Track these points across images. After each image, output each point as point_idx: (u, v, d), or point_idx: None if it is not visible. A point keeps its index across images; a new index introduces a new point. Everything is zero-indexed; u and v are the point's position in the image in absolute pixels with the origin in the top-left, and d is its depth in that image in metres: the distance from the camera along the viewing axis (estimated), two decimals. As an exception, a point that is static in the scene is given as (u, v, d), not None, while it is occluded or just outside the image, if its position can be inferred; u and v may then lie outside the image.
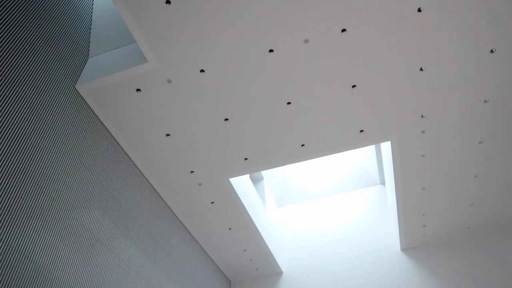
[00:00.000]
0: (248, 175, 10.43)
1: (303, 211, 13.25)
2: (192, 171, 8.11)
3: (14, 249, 4.92)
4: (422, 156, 8.02)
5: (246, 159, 7.90)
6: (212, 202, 9.00)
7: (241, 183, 9.37)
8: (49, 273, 5.38)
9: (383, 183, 12.68)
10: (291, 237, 12.73)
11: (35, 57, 5.72)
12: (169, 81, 6.35)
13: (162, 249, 8.41)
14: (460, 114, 7.21)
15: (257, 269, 11.70)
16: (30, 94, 5.51)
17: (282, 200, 13.78)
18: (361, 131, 7.43)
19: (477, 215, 9.98)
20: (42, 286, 5.21)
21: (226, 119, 7.04)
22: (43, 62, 5.86)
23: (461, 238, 10.79)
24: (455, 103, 6.99)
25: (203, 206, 9.11)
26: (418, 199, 9.23)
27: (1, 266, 4.67)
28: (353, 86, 6.62)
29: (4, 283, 4.66)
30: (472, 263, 10.46)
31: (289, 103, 6.84)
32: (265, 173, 13.13)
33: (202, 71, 6.23)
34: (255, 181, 12.91)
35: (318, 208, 13.08)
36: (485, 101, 6.95)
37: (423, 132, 7.49)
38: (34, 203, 5.36)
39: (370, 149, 12.72)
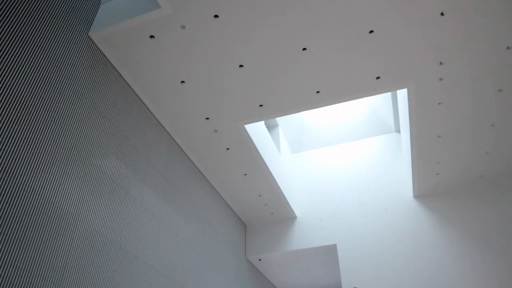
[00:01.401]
0: (263, 122, 10.47)
1: (318, 157, 13.37)
2: (207, 118, 8.17)
3: (38, 194, 5.14)
4: (439, 103, 7.92)
5: (261, 105, 7.90)
6: (228, 149, 9.12)
7: (256, 130, 9.44)
8: (71, 216, 5.63)
9: (398, 130, 12.63)
10: (305, 183, 12.95)
11: (47, 6, 5.67)
12: (183, 27, 6.25)
13: (178, 193, 8.66)
14: (480, 61, 7.02)
15: (272, 213, 12.01)
16: (44, 43, 5.51)
17: (296, 147, 13.88)
18: (378, 78, 7.32)
19: (492, 164, 9.96)
20: (65, 229, 5.48)
21: (241, 66, 6.98)
22: (55, 10, 5.81)
23: (474, 186, 10.84)
24: (476, 49, 6.79)
25: (218, 152, 9.24)
26: (433, 147, 9.21)
27: (27, 210, 4.90)
28: (370, 31, 6.44)
29: (29, 226, 4.92)
30: (485, 212, 10.56)
31: (304, 49, 6.72)
32: (280, 120, 13.15)
33: (216, 16, 6.11)
34: (270, 127, 12.98)
35: (332, 155, 13.17)
36: (507, 48, 6.73)
37: (441, 79, 7.34)
38: (55, 150, 5.52)
39: (386, 96, 12.56)
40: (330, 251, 11.75)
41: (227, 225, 11.11)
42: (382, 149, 12.61)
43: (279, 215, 12.10)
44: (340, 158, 13.00)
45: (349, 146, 13.10)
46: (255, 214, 11.98)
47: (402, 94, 8.69)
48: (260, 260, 12.42)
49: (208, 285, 9.19)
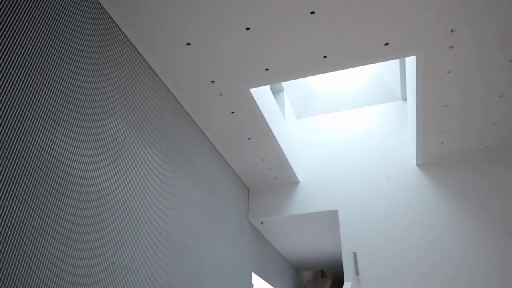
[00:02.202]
0: (268, 86, 10.40)
1: (322, 123, 13.35)
2: (212, 81, 8.11)
3: (45, 153, 5.20)
4: (448, 72, 7.81)
5: (267, 69, 7.82)
6: (233, 112, 9.11)
7: (261, 94, 9.39)
8: (78, 174, 5.71)
9: (404, 98, 12.53)
10: (309, 149, 12.99)
11: (52, -42, 5.54)
12: (190, -14, 6.11)
13: (183, 156, 8.73)
14: (493, 30, 6.86)
15: (275, 178, 12.12)
16: (49, 3, 5.43)
17: (301, 112, 13.84)
18: (386, 44, 7.19)
19: (498, 135, 9.92)
20: (72, 187, 5.57)
21: (247, 28, 6.86)
22: (60, -36, 5.68)
23: (478, 157, 10.85)
24: (489, 17, 6.63)
25: (223, 115, 9.24)
26: (439, 116, 9.16)
27: (34, 168, 4.98)
28: (381, -4, 6.28)
29: (37, 184, 5.00)
30: (488, 182, 10.61)
31: (312, 12, 6.57)
32: (286, 85, 13.05)
33: (223, -24, 5.96)
34: (275, 92, 12.90)
35: (337, 121, 13.15)
36: (521, 16, 6.57)
37: (451, 47, 7.21)
38: (61, 111, 5.53)
39: (394, 64, 12.38)
40: (331, 216, 11.92)
41: (230, 188, 11.25)
42: (387, 116, 12.55)
43: (282, 179, 12.21)
44: (345, 124, 12.97)
45: (354, 113, 13.05)
46: (258, 178, 12.09)
47: (411, 61, 8.56)
48: (262, 223, 12.64)
49: (210, 246, 9.40)
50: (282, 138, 10.88)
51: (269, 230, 13.30)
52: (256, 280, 12.50)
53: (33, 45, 5.14)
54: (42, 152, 5.26)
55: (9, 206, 4.67)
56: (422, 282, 9.85)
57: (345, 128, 12.91)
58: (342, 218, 11.36)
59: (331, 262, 17.17)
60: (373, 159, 11.95)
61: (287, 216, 12.15)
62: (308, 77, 13.69)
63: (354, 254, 10.65)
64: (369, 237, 10.82)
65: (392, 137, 12.11)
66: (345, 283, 10.21)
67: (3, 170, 4.60)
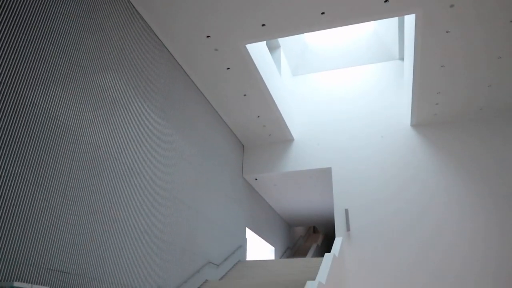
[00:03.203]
0: (264, 42, 10.25)
1: (318, 81, 13.27)
2: (208, 36, 7.98)
3: (39, 108, 5.18)
4: (447, 32, 7.71)
5: (263, 25, 7.68)
6: (228, 68, 9.02)
7: (257, 50, 9.27)
8: (72, 130, 5.72)
9: (401, 58, 12.41)
10: (304, 106, 12.97)
11: None
12: None
13: (178, 112, 8.71)
14: (495, -11, 6.73)
15: (270, 135, 12.17)
16: None
17: (297, 70, 13.71)
18: (386, 1, 7.05)
19: (493, 97, 9.92)
20: (66, 143, 5.59)
21: (245, -18, 6.67)
22: None
23: (472, 118, 10.89)
24: (492, -25, 6.48)
25: (218, 71, 9.15)
26: (435, 77, 9.12)
27: (28, 123, 4.98)
28: (383, -49, 6.09)
29: (31, 140, 5.01)
30: (480, 144, 10.70)
31: (312, -33, 6.39)
32: (282, 41, 12.85)
33: None
34: (272, 49, 12.72)
35: (333, 79, 13.06)
36: (524, -24, 6.42)
37: (451, 6, 7.07)
38: (54, 66, 5.46)
39: (393, 22, 12.16)
40: (325, 174, 12.08)
41: (225, 144, 11.31)
42: (383, 76, 12.48)
43: (277, 136, 12.27)
44: (341, 83, 12.90)
45: (350, 72, 12.95)
46: (253, 135, 12.13)
47: (410, 20, 8.42)
48: (256, 179, 12.80)
49: (205, 201, 9.56)
50: (277, 95, 10.85)
51: (263, 187, 13.50)
52: (250, 234, 12.81)
53: (26, 1, 5.01)
54: (36, 107, 5.22)
55: (6, 161, 4.70)
56: (412, 240, 10.14)
57: (341, 87, 12.85)
58: (335, 176, 11.52)
59: (323, 219, 17.56)
60: (367, 118, 11.99)
61: (281, 173, 12.31)
62: (305, 34, 13.50)
63: (346, 211, 10.88)
64: (361, 195, 11.02)
65: (387, 97, 12.09)
66: (336, 238, 10.49)
67: (-3, 123, 4.62)
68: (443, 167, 10.67)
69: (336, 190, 11.33)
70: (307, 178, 12.79)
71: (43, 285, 5.02)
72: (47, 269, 5.15)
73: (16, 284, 4.62)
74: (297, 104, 13.03)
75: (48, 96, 5.35)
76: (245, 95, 10.04)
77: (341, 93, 12.72)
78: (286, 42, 13.03)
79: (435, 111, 10.52)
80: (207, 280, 9.27)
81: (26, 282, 4.82)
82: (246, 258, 12.06)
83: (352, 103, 12.42)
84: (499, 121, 10.62)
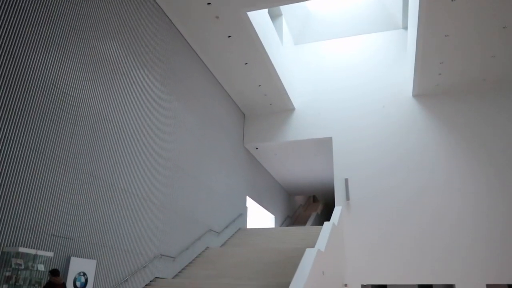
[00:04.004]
0: (266, 10, 10.08)
1: (320, 50, 13.11)
2: (209, 3, 7.85)
3: (39, 74, 5.15)
4: (452, 0, 7.56)
5: (265, -7, 7.54)
6: (229, 36, 8.91)
7: (259, 18, 9.12)
8: (73, 98, 5.71)
9: (405, 27, 12.20)
10: (306, 76, 12.87)
11: None
12: None
13: (179, 80, 8.65)
14: (503, -45, 6.56)
15: (271, 104, 12.13)
16: None
17: (299, 38, 13.52)
18: (391, -31, 6.87)
19: (497, 68, 9.82)
20: (67, 109, 5.58)
21: None
22: None
23: (475, 90, 10.80)
24: None
25: (219, 39, 9.04)
26: (439, 46, 9.00)
27: (29, 89, 4.96)
28: None
29: (32, 105, 5.01)
30: (482, 114, 10.67)
31: None
32: (284, 10, 12.61)
33: None
34: (274, 17, 12.50)
35: (335, 48, 12.90)
36: None
37: (458, -27, 6.92)
38: (54, 31, 5.40)
39: (398, -11, 11.92)
40: (325, 143, 12.11)
41: (226, 113, 11.28)
42: (386, 45, 12.32)
43: (278, 106, 12.23)
44: (343, 52, 12.75)
45: (353, 41, 12.78)
46: (254, 104, 12.09)
47: (415, -13, 8.26)
48: (257, 148, 12.84)
49: (206, 169, 9.62)
50: (279, 64, 10.75)
51: (264, 156, 13.56)
52: (250, 203, 12.96)
53: (20, -41, 4.90)
54: (36, 74, 5.18)
55: (7, 128, 4.72)
56: (412, 210, 10.25)
57: (343, 56, 12.71)
58: (335, 146, 11.55)
59: (323, 188, 17.72)
60: (369, 88, 11.91)
61: (282, 142, 12.34)
62: (307, 2, 13.24)
63: (346, 180, 10.97)
64: (361, 165, 11.08)
65: (389, 67, 11.98)
66: (335, 207, 10.61)
67: (-3, 90, 4.61)
68: (444, 138, 10.68)
69: (336, 159, 11.39)
70: (308, 148, 12.83)
71: (47, 250, 5.14)
72: (51, 235, 5.24)
73: (21, 249, 4.73)
74: (299, 73, 12.92)
75: (48, 63, 5.32)
76: (246, 64, 9.95)
77: (343, 63, 12.60)
78: (288, 10, 12.80)
79: (438, 81, 10.44)
80: (208, 247, 9.44)
81: (31, 248, 4.92)
82: (246, 226, 12.24)
83: (354, 72, 12.32)
84: (501, 93, 10.57)
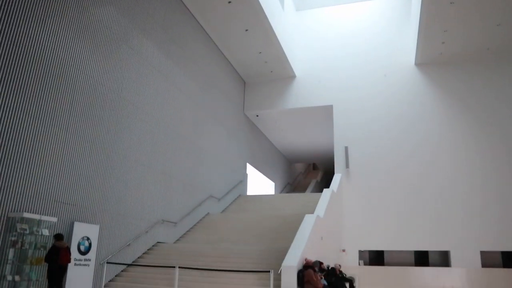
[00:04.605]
0: (268, -25, 9.87)
1: (322, 16, 12.87)
2: (209, -33, 7.66)
3: (38, 43, 5.10)
4: (458, -34, 7.39)
5: (267, -43, 7.34)
6: (229, 2, 8.75)
7: (260, -17, 8.94)
8: (72, 65, 5.67)
9: (410, -7, 11.96)
10: (307, 43, 12.69)
11: None
12: None
13: (179, 47, 8.56)
14: None
15: (271, 71, 12.03)
16: None
17: (301, 4, 13.25)
18: None
19: (501, 37, 9.68)
20: (67, 78, 5.56)
21: None
22: None
23: (478, 59, 10.68)
24: None
25: (220, 5, 8.88)
26: (444, 14, 8.84)
27: (27, 58, 4.95)
28: None
29: (32, 74, 5.00)
30: (486, 84, 10.60)
31: None
32: (287, -27, 12.33)
33: None
34: (276, -19, 12.23)
35: (337, 15, 12.66)
36: None
37: None
38: (49, -7, 5.34)
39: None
40: (326, 111, 12.08)
41: (226, 80, 11.21)
42: (390, 12, 12.09)
43: (279, 73, 12.13)
44: (346, 19, 12.53)
45: (356, 7, 12.52)
46: (255, 71, 12.00)
47: (421, -48, 8.05)
48: (257, 116, 12.83)
49: (206, 136, 9.66)
50: (280, 30, 10.59)
51: (264, 123, 13.56)
52: (251, 170, 13.05)
53: None
54: (35, 42, 5.12)
55: (7, 96, 4.72)
56: (410, 179, 10.35)
57: (345, 23, 12.49)
58: (336, 114, 11.54)
59: (323, 156, 17.79)
60: (371, 56, 11.78)
61: (283, 110, 12.32)
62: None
63: (346, 148, 11.02)
64: (362, 133, 11.10)
65: (392, 34, 11.80)
66: (335, 175, 10.71)
67: (-3, 57, 4.58)
68: (447, 105, 10.66)
69: (336, 128, 11.41)
70: (308, 116, 12.82)
71: (51, 216, 5.23)
72: (55, 201, 5.32)
73: (25, 215, 4.81)
74: (300, 41, 12.74)
75: (46, 30, 5.26)
76: (247, 30, 9.82)
77: (345, 30, 12.40)
78: (291, -26, 12.49)
79: (441, 50, 10.33)
80: (208, 213, 9.59)
81: (35, 213, 5.01)
82: (246, 193, 12.38)
83: (356, 40, 12.14)
84: (506, 63, 10.46)
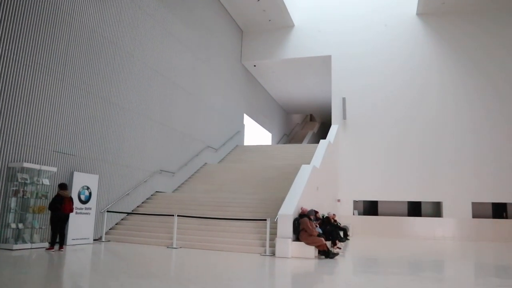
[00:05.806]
0: None
1: (323, -37, 12.45)
2: None
3: (28, -15, 4.98)
4: None
5: None
6: None
7: None
8: (67, 13, 5.53)
9: None
10: (307, -9, 12.35)
11: None
12: None
13: (174, -7, 8.34)
14: None
15: (270, 20, 11.76)
16: None
17: (302, -51, 12.77)
18: None
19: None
20: (62, 26, 5.46)
21: None
22: None
23: (482, 10, 10.43)
24: None
25: (217, -50, 8.55)
26: (448, -40, 8.57)
27: (23, 8, 4.82)
28: None
29: (28, 22, 4.89)
30: (489, 34, 10.41)
31: None
32: None
33: None
34: None
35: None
36: None
37: None
38: None
39: None
40: (324, 62, 11.93)
41: (223, 29, 10.98)
42: (393, -42, 11.69)
43: (277, 22, 11.87)
44: (347, -35, 12.13)
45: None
46: (253, 20, 11.73)
47: None
48: (255, 66, 12.68)
49: (203, 86, 9.59)
50: (279, -23, 10.27)
51: (262, 74, 13.43)
52: (248, 121, 13.07)
53: None
54: (26, -14, 5.02)
55: (3, 46, 4.64)
56: (406, 131, 10.41)
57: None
58: (334, 64, 11.41)
59: (320, 107, 17.75)
60: (372, 5, 11.48)
61: (280, 60, 12.16)
62: None
63: (343, 99, 10.98)
64: (360, 85, 11.02)
65: (394, -18, 11.46)
66: (332, 126, 10.74)
67: (-12, 4, 4.47)
68: (448, 56, 10.53)
69: (334, 78, 11.32)
70: (306, 66, 12.68)
71: (51, 166, 5.29)
72: (54, 151, 5.37)
73: (25, 165, 4.87)
74: (299, -13, 12.38)
75: (38, -24, 5.11)
76: (245, -24, 9.49)
77: (346, -23, 12.02)
78: None
79: (443, -1, 10.05)
80: (206, 163, 9.70)
81: (35, 163, 5.07)
82: (243, 143, 12.47)
83: (356, -11, 11.79)
84: (509, 12, 10.23)
